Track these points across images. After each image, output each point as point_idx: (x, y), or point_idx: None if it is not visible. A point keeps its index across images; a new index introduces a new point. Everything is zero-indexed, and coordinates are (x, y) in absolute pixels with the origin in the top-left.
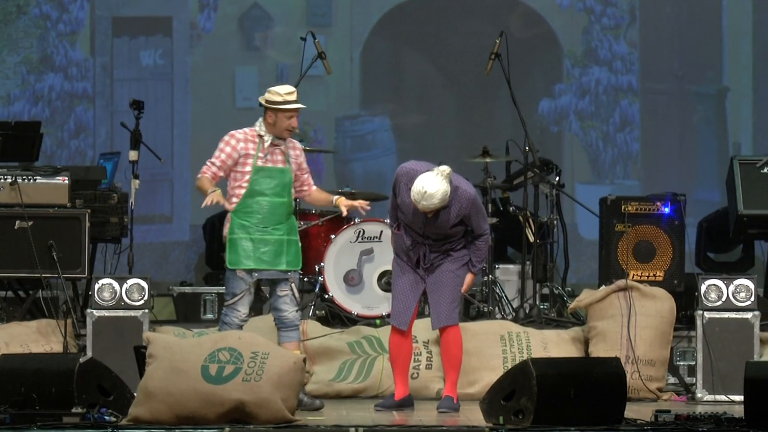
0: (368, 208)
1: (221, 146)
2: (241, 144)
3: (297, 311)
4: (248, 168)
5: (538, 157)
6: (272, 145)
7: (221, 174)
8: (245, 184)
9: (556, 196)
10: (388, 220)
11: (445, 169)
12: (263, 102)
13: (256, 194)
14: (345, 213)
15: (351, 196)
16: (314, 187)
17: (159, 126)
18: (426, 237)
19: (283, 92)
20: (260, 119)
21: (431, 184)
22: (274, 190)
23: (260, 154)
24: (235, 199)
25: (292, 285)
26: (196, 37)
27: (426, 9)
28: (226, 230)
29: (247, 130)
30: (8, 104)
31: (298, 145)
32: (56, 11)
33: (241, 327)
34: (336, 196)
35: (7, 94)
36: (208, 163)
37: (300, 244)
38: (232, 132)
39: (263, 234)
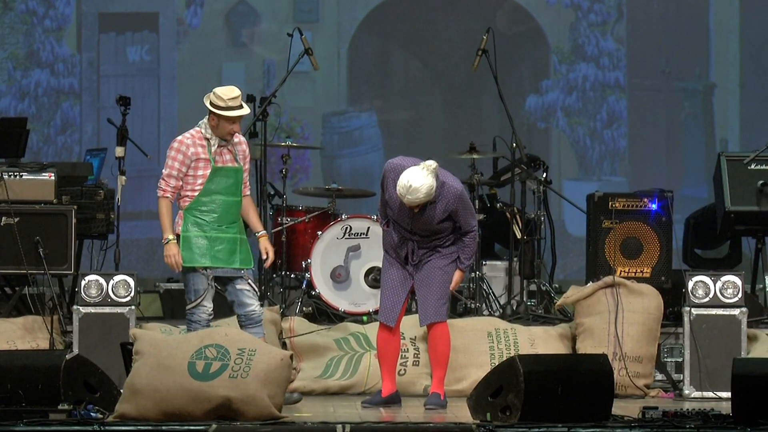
0: (272, 257)
1: (173, 155)
2: (192, 149)
3: (260, 305)
4: (200, 171)
5: (526, 153)
6: (219, 146)
7: (180, 184)
8: (198, 187)
9: (543, 193)
10: (377, 217)
11: (432, 164)
12: (206, 104)
13: (212, 193)
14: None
15: (338, 192)
16: (247, 192)
17: (145, 122)
18: (413, 233)
19: (226, 97)
20: (205, 120)
21: (417, 179)
22: (229, 189)
23: (212, 156)
24: (188, 198)
25: (249, 280)
26: (183, 33)
27: (413, 5)
28: (179, 228)
29: (193, 132)
30: None
31: (244, 140)
32: (42, 7)
33: (209, 323)
34: (261, 232)
35: None
36: (165, 178)
37: (248, 242)
38: (179, 138)
39: (218, 232)
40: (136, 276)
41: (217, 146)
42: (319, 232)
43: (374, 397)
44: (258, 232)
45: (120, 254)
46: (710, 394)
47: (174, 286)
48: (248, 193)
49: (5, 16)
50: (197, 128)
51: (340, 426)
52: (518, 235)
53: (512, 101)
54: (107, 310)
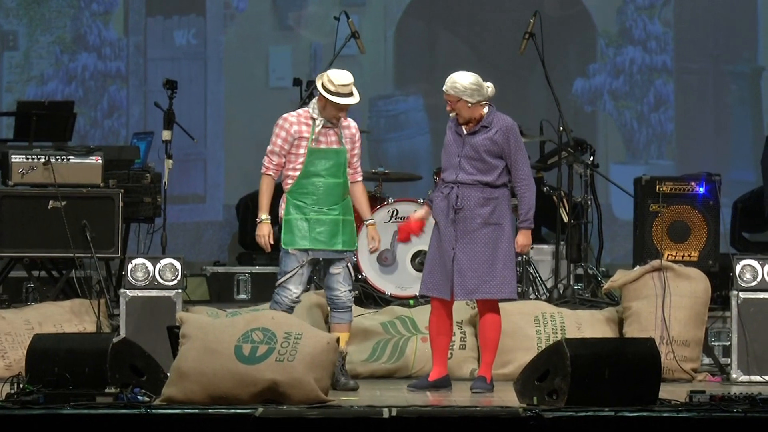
0: (372, 250)
1: (276, 131)
2: (295, 127)
3: (350, 291)
4: (302, 150)
5: (573, 137)
6: (324, 127)
7: (283, 161)
8: (299, 166)
9: (590, 176)
10: (423, 201)
11: (489, 85)
12: (318, 84)
13: (311, 175)
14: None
15: (384, 176)
16: (359, 177)
17: (192, 106)
18: (461, 167)
19: (337, 82)
20: (315, 100)
21: (461, 73)
22: (330, 170)
23: (314, 136)
24: (290, 181)
25: (348, 265)
26: (230, 17)
27: None
28: (281, 211)
29: (300, 111)
30: (42, 84)
31: (353, 124)
32: None
33: (292, 308)
34: (370, 219)
35: (41, 73)
36: (268, 155)
37: (355, 224)
38: (285, 116)
39: (319, 214)
40: (182, 259)
41: (322, 127)
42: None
43: (421, 381)
44: (367, 220)
45: (167, 238)
46: (758, 378)
47: (220, 269)
48: (359, 179)
49: (52, 0)
50: (306, 108)
51: (386, 410)
52: (565, 218)
53: (559, 85)
54: (154, 293)
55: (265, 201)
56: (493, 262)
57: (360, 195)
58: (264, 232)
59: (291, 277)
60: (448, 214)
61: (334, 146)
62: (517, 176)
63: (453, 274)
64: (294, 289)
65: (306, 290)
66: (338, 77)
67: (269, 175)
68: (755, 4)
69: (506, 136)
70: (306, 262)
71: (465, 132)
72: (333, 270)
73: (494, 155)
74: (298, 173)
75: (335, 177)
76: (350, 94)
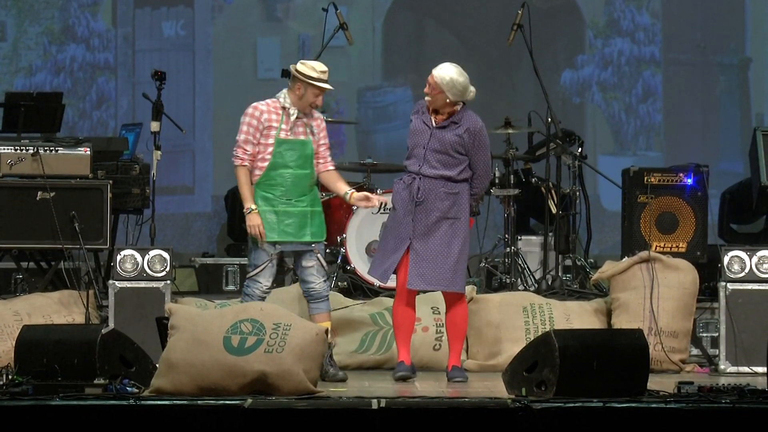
0: (384, 200)
1: (247, 120)
2: (265, 115)
3: (325, 281)
4: (270, 140)
5: (561, 128)
6: (297, 118)
7: (256, 150)
8: (268, 156)
9: (578, 168)
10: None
11: (473, 89)
12: (295, 72)
13: (279, 167)
14: (356, 206)
15: (373, 167)
16: (331, 167)
17: (181, 97)
18: (426, 159)
19: (318, 69)
20: (284, 91)
21: (456, 69)
22: (297, 162)
23: (283, 126)
24: (258, 172)
25: (318, 256)
26: (218, 8)
27: None
28: None
29: (269, 101)
30: (30, 75)
31: (320, 116)
32: None
33: (262, 299)
34: (350, 190)
35: (29, 65)
36: (241, 145)
37: (323, 215)
38: (255, 104)
39: (287, 206)
40: (171, 251)
41: (295, 118)
42: (354, 207)
43: (402, 366)
44: (347, 192)
45: (155, 229)
46: (746, 369)
47: (209, 260)
48: (331, 167)
49: None
50: (274, 98)
51: (375, 401)
52: (553, 210)
53: (547, 76)
54: (143, 284)
55: (248, 191)
56: (447, 256)
57: (336, 179)
58: (256, 222)
59: (262, 270)
60: (408, 204)
61: (302, 137)
62: (475, 170)
63: (409, 262)
64: (264, 281)
65: (295, 281)
66: (317, 65)
67: (245, 165)
68: None
69: (473, 137)
70: (275, 254)
71: (434, 124)
72: (305, 263)
73: (459, 152)
74: (266, 164)
75: (303, 168)
76: (328, 82)
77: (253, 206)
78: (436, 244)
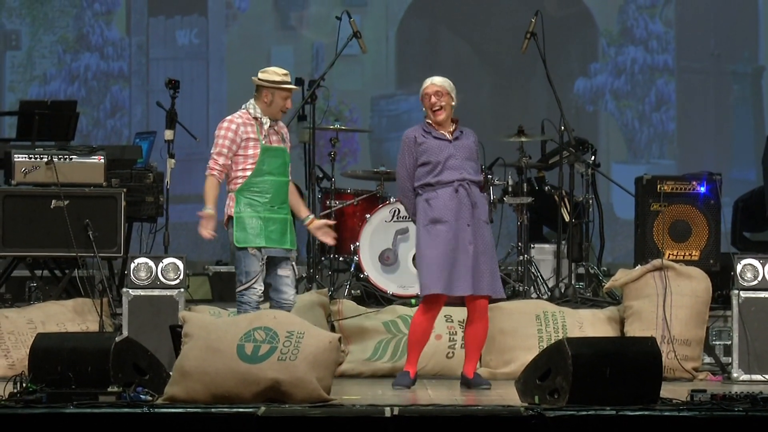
0: (333, 240)
1: (223, 134)
2: (242, 128)
3: (295, 294)
4: (251, 151)
5: (574, 136)
6: (269, 126)
7: (228, 163)
8: (250, 166)
9: (591, 176)
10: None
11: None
12: (259, 81)
13: (263, 173)
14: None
15: (386, 175)
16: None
17: (194, 105)
18: (464, 168)
19: (281, 72)
20: (251, 102)
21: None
22: (279, 169)
23: (261, 136)
24: (240, 180)
25: (293, 264)
26: (232, 17)
27: None
28: (231, 210)
29: (241, 113)
30: (44, 83)
31: (283, 124)
32: None
33: (259, 305)
34: (310, 216)
35: (44, 73)
36: (214, 157)
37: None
38: (229, 118)
39: (270, 212)
40: (185, 259)
41: (269, 126)
42: (368, 215)
43: (403, 378)
44: (307, 217)
45: (169, 237)
46: (759, 377)
47: (223, 269)
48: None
49: (55, 0)
50: (243, 110)
51: (388, 408)
52: (566, 218)
53: (561, 84)
54: (156, 292)
55: (210, 195)
56: (494, 259)
57: (297, 195)
58: (209, 225)
59: (257, 277)
60: (461, 212)
61: (278, 144)
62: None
63: (472, 270)
64: (259, 286)
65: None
66: (278, 69)
67: (214, 175)
68: (756, 3)
69: (479, 145)
70: (264, 260)
71: (450, 137)
72: (281, 272)
73: (476, 159)
74: (249, 173)
75: (283, 175)
76: (290, 83)
77: (210, 208)
78: (490, 247)
